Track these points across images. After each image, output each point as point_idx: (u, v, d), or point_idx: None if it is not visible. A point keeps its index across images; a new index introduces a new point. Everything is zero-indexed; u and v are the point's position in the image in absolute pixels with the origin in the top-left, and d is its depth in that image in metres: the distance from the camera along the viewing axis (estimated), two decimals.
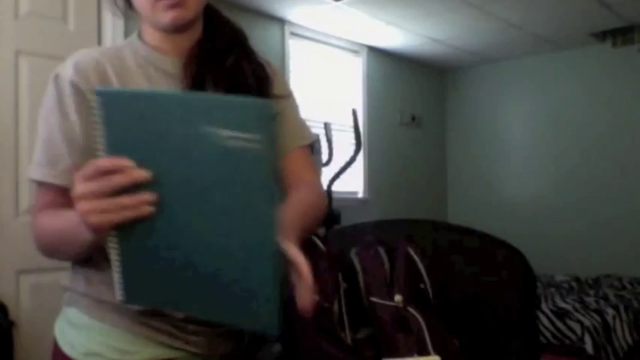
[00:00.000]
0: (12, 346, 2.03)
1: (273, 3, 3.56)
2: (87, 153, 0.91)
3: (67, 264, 0.97)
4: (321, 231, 1.51)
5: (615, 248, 4.29)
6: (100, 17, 2.43)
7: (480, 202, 5.07)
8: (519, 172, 4.91)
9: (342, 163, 3.55)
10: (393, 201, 4.64)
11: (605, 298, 3.32)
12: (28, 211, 0.96)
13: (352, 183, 4.32)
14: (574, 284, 3.85)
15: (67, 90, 0.94)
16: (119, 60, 0.98)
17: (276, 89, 1.06)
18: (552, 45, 4.52)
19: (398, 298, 0.96)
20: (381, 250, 1.04)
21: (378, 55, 4.61)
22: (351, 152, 3.59)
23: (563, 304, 3.09)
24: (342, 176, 3.60)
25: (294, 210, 0.83)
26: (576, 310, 2.99)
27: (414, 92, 5.02)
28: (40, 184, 0.93)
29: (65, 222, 0.81)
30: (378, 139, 4.59)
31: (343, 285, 0.99)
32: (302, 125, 1.11)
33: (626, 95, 4.36)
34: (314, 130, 2.49)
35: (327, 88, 4.20)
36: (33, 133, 2.23)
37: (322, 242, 1.03)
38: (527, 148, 4.87)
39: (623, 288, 3.69)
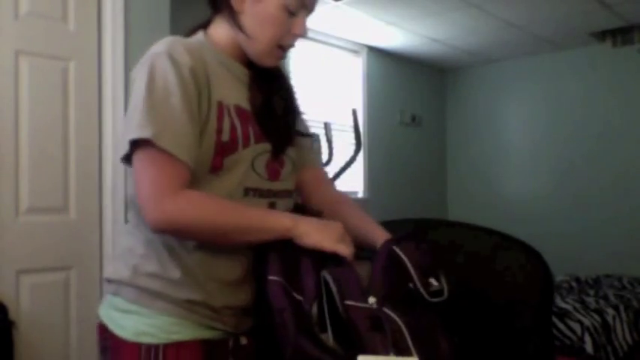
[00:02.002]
0: (12, 346, 2.03)
1: None
2: (198, 137, 1.01)
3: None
4: None
5: (615, 248, 4.29)
6: (100, 17, 2.43)
7: (479, 202, 5.07)
8: (519, 172, 4.90)
9: (342, 163, 3.55)
10: (393, 201, 4.64)
11: (605, 298, 3.32)
12: (139, 191, 1.01)
13: (352, 183, 4.32)
14: (574, 284, 3.85)
15: (188, 76, 1.00)
16: (204, 58, 1.06)
17: (301, 120, 1.28)
18: (552, 45, 4.52)
19: (372, 299, 0.96)
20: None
21: (378, 55, 4.61)
22: (351, 152, 3.59)
23: (563, 304, 3.09)
24: (342, 176, 3.60)
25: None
26: (576, 310, 2.99)
27: (414, 92, 5.02)
28: (168, 159, 0.97)
29: (266, 218, 1.03)
30: (378, 139, 4.59)
31: (332, 287, 0.99)
32: None
33: (626, 95, 4.36)
34: (314, 130, 2.49)
35: (327, 88, 4.20)
36: (33, 132, 2.23)
37: None
38: (527, 148, 4.87)
39: (623, 288, 3.69)
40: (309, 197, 1.26)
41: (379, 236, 1.12)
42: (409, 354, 0.90)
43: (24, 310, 2.17)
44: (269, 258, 1.02)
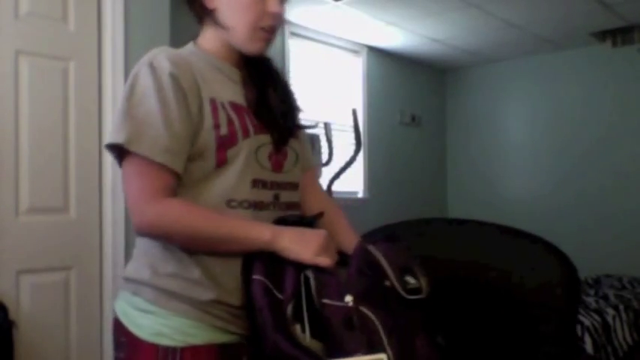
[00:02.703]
0: (12, 346, 2.03)
1: None
2: (184, 139, 1.03)
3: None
4: None
5: (615, 248, 4.29)
6: (100, 17, 2.43)
7: (479, 202, 5.07)
8: (519, 172, 4.90)
9: (342, 163, 3.55)
10: (393, 201, 4.64)
11: (605, 298, 3.32)
12: (132, 195, 1.06)
13: (352, 183, 4.32)
14: None
15: (167, 81, 1.03)
16: (191, 62, 1.10)
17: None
18: (552, 45, 4.52)
19: (348, 298, 0.97)
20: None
21: (378, 55, 4.61)
22: (351, 152, 3.60)
23: None
24: (342, 176, 3.60)
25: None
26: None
27: (414, 92, 5.02)
28: (147, 165, 1.01)
29: (246, 230, 1.04)
30: (378, 139, 4.59)
31: (312, 284, 1.00)
32: None
33: (626, 95, 4.36)
34: (314, 130, 2.49)
35: (327, 88, 4.20)
36: (33, 133, 2.23)
37: None
38: (527, 148, 4.87)
39: (623, 288, 3.69)
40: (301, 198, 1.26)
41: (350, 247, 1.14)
42: (383, 352, 0.90)
43: (24, 310, 2.17)
44: (255, 258, 1.03)
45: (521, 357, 1.25)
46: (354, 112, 3.67)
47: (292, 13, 3.76)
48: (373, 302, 0.97)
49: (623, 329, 3.02)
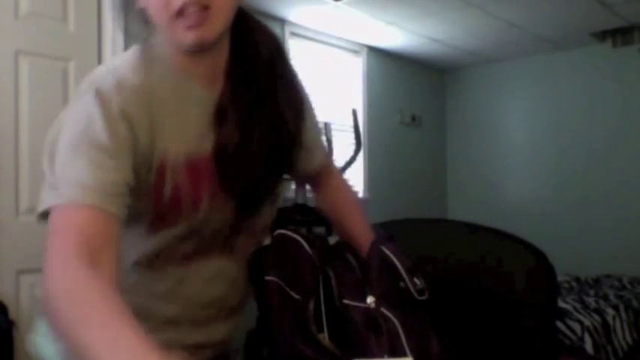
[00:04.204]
0: (12, 346, 2.03)
1: (273, 3, 3.56)
2: (131, 178, 0.84)
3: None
4: (320, 230, 1.51)
5: (615, 248, 4.29)
6: (100, 17, 2.43)
7: (479, 202, 5.07)
8: (519, 172, 4.90)
9: (342, 163, 3.55)
10: (393, 201, 4.64)
11: (605, 298, 3.31)
12: (41, 220, 0.92)
13: (352, 183, 4.32)
14: (574, 284, 3.85)
15: (117, 116, 0.84)
16: (151, 92, 0.89)
17: (308, 120, 1.11)
18: (552, 45, 4.52)
19: (370, 299, 0.97)
20: (349, 256, 1.06)
21: (378, 55, 4.61)
22: (351, 152, 3.60)
23: (563, 304, 3.09)
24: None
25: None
26: (576, 310, 2.99)
27: (414, 92, 5.02)
28: (66, 209, 0.82)
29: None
30: (378, 139, 4.59)
31: (333, 284, 0.99)
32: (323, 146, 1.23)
33: (626, 95, 4.36)
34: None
35: (327, 88, 4.19)
36: (33, 133, 2.23)
37: (310, 243, 1.04)
38: (527, 149, 4.87)
39: (623, 288, 3.69)
40: (315, 195, 1.26)
41: (363, 244, 1.11)
42: (404, 354, 0.90)
43: (24, 310, 2.17)
44: (266, 258, 1.02)
45: (508, 356, 1.26)
46: (354, 112, 3.67)
47: (292, 13, 3.77)
48: (392, 303, 0.97)
49: (623, 329, 3.02)
